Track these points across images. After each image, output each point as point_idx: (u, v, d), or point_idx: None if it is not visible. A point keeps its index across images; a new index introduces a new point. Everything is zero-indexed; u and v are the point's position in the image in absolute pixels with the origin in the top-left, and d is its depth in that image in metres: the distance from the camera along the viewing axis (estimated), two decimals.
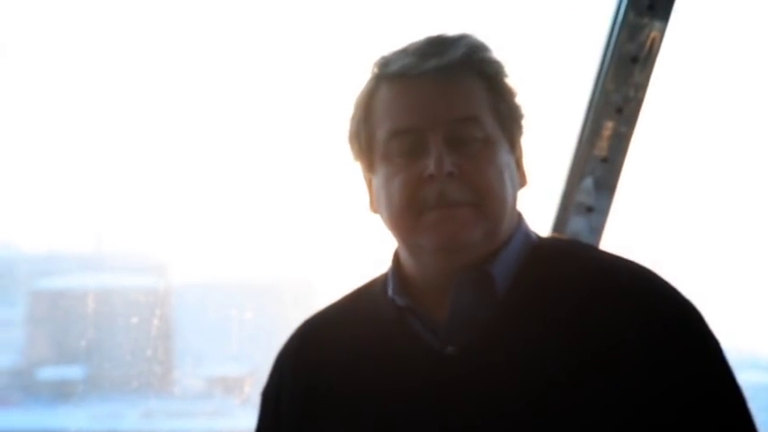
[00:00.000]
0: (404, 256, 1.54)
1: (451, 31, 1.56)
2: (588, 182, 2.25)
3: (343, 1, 4.11)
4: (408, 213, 1.48)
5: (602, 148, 2.23)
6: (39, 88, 4.67)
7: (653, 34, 2.22)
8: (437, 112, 1.49)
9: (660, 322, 1.45)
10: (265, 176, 4.60)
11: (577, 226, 2.28)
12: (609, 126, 2.22)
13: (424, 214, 1.47)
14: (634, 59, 2.21)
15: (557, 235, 2.25)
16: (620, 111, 2.21)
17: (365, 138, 1.54)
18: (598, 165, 2.24)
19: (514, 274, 1.50)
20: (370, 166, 1.55)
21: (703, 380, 1.44)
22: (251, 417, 1.68)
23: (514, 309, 1.48)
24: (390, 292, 1.54)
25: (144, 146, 4.72)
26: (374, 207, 1.57)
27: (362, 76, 1.57)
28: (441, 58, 1.49)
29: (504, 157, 1.50)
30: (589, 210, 2.27)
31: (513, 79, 1.55)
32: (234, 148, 4.64)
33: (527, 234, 1.55)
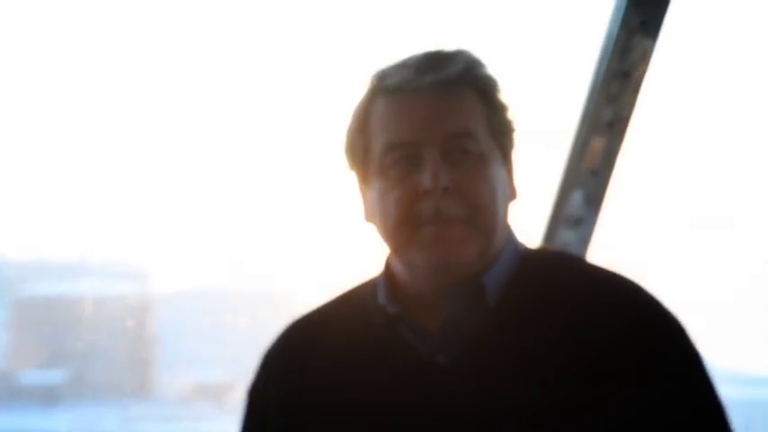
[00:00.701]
0: (396, 265, 1.57)
1: (448, 45, 1.59)
2: (578, 195, 2.28)
3: (337, 8, 4.13)
4: (403, 228, 1.51)
5: (591, 162, 2.26)
6: (22, 95, 4.66)
7: (643, 51, 2.26)
8: (433, 126, 1.51)
9: (647, 336, 1.49)
10: (250, 184, 4.61)
11: (566, 237, 2.31)
12: (599, 140, 2.25)
13: (418, 229, 1.49)
14: (626, 75, 2.25)
15: (545, 246, 2.28)
16: (610, 125, 2.25)
17: (360, 149, 1.57)
18: (588, 178, 2.28)
19: (505, 286, 1.52)
20: (364, 178, 1.57)
21: (688, 393, 1.46)
22: (233, 423, 1.70)
23: (506, 319, 1.51)
24: (381, 299, 1.56)
25: (129, 152, 4.72)
26: (368, 218, 1.59)
27: (349, 85, 1.60)
28: (438, 74, 1.52)
29: (498, 171, 1.53)
30: (578, 222, 2.31)
31: (506, 94, 1.58)
32: (220, 156, 4.65)
33: (516, 246, 1.58)
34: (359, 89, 1.59)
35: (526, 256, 1.57)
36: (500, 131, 1.55)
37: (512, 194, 1.57)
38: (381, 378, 1.52)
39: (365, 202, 1.59)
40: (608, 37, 2.27)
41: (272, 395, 1.60)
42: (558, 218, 2.32)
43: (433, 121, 1.51)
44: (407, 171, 1.51)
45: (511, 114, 1.57)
